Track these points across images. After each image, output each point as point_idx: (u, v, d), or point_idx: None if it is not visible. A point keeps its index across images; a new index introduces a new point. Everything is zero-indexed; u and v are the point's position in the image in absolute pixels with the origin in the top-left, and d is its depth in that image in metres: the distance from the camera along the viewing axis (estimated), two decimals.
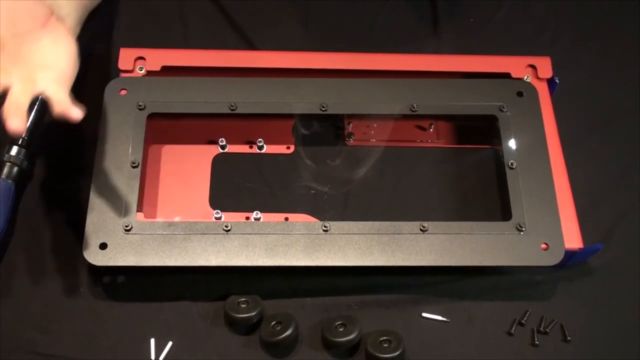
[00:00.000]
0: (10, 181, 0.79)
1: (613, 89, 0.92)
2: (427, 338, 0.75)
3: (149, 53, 0.84)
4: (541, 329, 0.76)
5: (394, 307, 0.77)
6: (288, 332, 0.72)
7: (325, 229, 0.74)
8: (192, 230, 0.74)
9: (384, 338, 0.73)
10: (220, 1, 0.96)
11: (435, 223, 0.75)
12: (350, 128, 0.87)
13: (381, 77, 0.85)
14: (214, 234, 0.74)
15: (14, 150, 0.80)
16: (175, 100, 0.81)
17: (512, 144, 0.80)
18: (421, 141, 0.87)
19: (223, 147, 0.85)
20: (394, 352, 0.72)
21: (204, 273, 0.77)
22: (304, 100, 0.81)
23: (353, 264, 0.73)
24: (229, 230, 0.74)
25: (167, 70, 0.84)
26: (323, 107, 0.81)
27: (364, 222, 0.75)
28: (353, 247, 0.73)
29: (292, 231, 0.74)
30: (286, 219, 0.80)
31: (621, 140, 0.89)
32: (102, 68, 0.88)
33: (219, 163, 0.84)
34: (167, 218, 0.79)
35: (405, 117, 0.82)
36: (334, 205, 0.82)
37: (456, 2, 0.99)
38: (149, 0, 0.96)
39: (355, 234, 0.74)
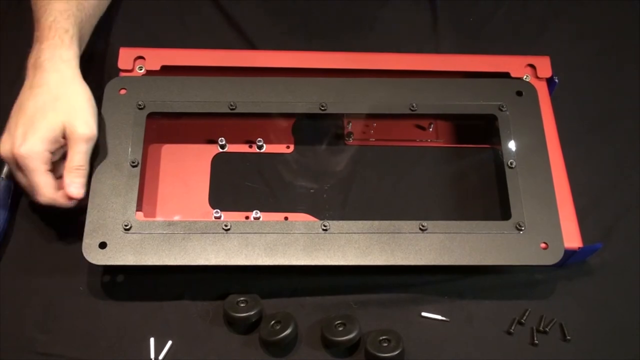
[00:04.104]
0: (10, 180, 0.80)
1: (612, 89, 0.92)
2: (426, 337, 0.75)
3: (148, 52, 0.84)
4: (540, 328, 0.76)
5: (394, 306, 0.77)
6: (287, 332, 0.72)
7: (324, 228, 0.74)
8: (191, 229, 0.74)
9: (384, 337, 0.73)
10: (220, 1, 0.96)
11: (435, 222, 0.75)
12: (349, 127, 0.87)
13: (381, 76, 0.85)
14: (213, 233, 0.74)
15: None
16: (174, 100, 0.81)
17: (511, 143, 0.80)
18: (421, 141, 0.87)
19: (222, 147, 0.85)
20: (394, 351, 0.72)
21: (203, 272, 0.77)
22: (304, 100, 0.81)
23: (352, 263, 0.73)
24: (228, 229, 0.74)
25: (166, 70, 0.84)
26: (322, 106, 0.81)
27: (364, 222, 0.75)
28: (352, 247, 0.73)
29: (291, 230, 0.74)
30: (286, 218, 0.80)
31: (621, 139, 0.89)
32: (102, 68, 0.88)
33: (218, 162, 0.84)
34: (167, 217, 0.79)
35: (404, 116, 0.82)
36: (334, 205, 0.82)
37: (456, 2, 0.99)
38: (149, 0, 0.96)
39: (354, 233, 0.74)
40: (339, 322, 0.74)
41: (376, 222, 0.75)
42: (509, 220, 0.75)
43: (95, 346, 0.74)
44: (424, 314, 0.77)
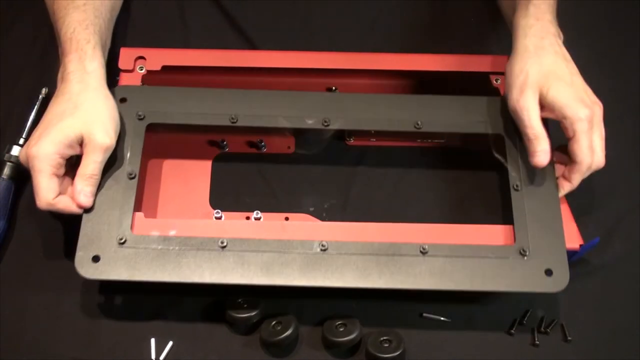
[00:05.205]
0: (10, 180, 0.80)
1: (613, 89, 0.92)
2: (427, 338, 0.75)
3: (149, 52, 0.84)
4: (541, 329, 0.76)
5: (395, 307, 0.77)
6: (288, 332, 0.72)
7: (322, 248, 0.72)
8: (187, 245, 0.72)
9: (385, 338, 0.73)
10: (221, 1, 0.96)
11: (436, 245, 0.72)
12: None
13: (381, 76, 0.84)
14: (209, 250, 0.71)
15: (15, 150, 0.80)
16: (175, 111, 0.78)
17: (518, 164, 0.77)
18: (422, 141, 0.86)
19: (223, 147, 0.85)
20: (395, 352, 0.72)
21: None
22: (306, 115, 0.79)
23: (351, 285, 0.70)
24: (224, 246, 0.72)
25: (167, 70, 0.83)
26: (325, 122, 0.79)
27: (363, 243, 0.72)
28: (351, 268, 0.71)
29: (289, 250, 0.72)
30: (286, 218, 0.80)
31: (621, 140, 0.88)
32: None
33: (219, 162, 0.84)
34: (168, 217, 0.79)
35: (409, 134, 0.80)
36: (334, 205, 0.82)
37: (457, 2, 0.99)
38: (150, 0, 0.96)
39: (353, 254, 0.72)
40: (339, 322, 0.74)
41: (376, 244, 0.72)
42: (513, 246, 0.73)
43: (95, 347, 0.74)
44: (424, 314, 0.77)
